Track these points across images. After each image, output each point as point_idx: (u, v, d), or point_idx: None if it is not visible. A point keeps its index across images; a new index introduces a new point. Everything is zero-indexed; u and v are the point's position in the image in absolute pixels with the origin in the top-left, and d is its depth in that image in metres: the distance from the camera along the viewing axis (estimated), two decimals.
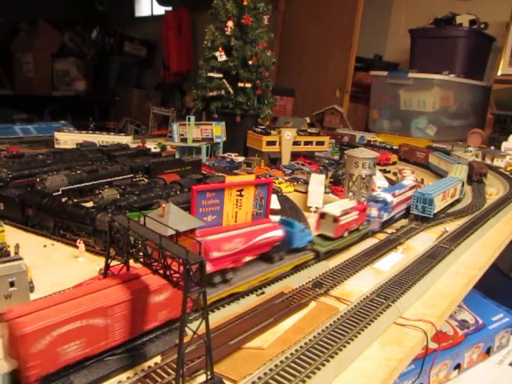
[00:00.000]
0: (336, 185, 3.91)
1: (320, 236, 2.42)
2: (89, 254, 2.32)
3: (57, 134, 4.82)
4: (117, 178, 3.44)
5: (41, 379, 1.27)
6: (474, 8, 7.60)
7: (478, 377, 3.27)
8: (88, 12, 12.53)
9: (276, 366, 1.46)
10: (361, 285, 2.14)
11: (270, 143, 4.82)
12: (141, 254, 1.43)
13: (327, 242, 2.38)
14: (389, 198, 2.89)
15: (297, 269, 2.19)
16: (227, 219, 2.65)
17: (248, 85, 5.13)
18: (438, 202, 3.12)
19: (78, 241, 2.31)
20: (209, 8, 5.17)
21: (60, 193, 3.05)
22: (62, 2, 11.67)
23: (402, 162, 5.45)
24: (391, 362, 1.59)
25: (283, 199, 3.43)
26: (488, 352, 3.44)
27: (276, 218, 2.44)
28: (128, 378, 1.38)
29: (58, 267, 2.19)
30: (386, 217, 2.87)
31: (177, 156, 4.67)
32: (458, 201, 3.66)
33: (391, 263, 2.43)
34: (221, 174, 3.87)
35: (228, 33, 5.00)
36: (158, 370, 1.40)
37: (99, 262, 2.16)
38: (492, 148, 6.01)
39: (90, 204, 2.92)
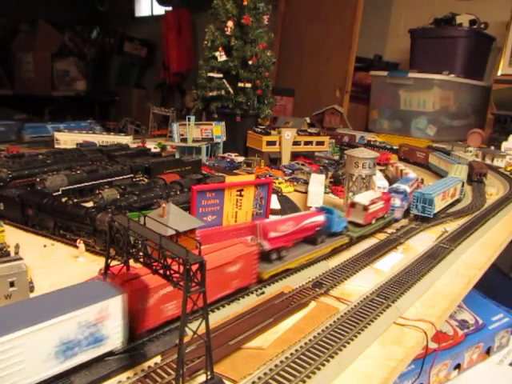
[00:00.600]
0: (336, 185, 3.91)
1: (350, 223, 2.67)
2: (89, 254, 2.32)
3: (57, 134, 4.81)
4: (117, 178, 3.44)
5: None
6: (473, 8, 7.60)
7: (478, 377, 3.27)
8: (88, 12, 12.50)
9: (276, 365, 1.46)
10: (361, 285, 2.14)
11: (269, 143, 4.82)
12: (141, 253, 1.43)
13: (358, 229, 2.66)
14: (408, 189, 3.18)
15: (334, 251, 2.48)
16: (227, 219, 2.66)
17: (248, 85, 5.13)
18: (438, 202, 3.13)
19: (78, 241, 2.31)
20: (209, 8, 5.16)
21: (60, 193, 3.05)
22: (62, 2, 11.64)
23: (402, 162, 5.44)
24: (391, 362, 1.59)
25: (283, 199, 3.43)
26: (488, 352, 3.44)
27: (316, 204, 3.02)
28: (128, 377, 1.37)
29: (57, 267, 2.19)
30: (406, 206, 3.16)
31: (177, 156, 4.66)
32: (458, 201, 3.66)
33: (391, 263, 2.43)
34: (221, 174, 3.86)
35: (228, 33, 5.00)
36: (158, 370, 1.40)
37: (99, 262, 2.16)
38: (492, 148, 6.01)
39: (90, 204, 2.92)
